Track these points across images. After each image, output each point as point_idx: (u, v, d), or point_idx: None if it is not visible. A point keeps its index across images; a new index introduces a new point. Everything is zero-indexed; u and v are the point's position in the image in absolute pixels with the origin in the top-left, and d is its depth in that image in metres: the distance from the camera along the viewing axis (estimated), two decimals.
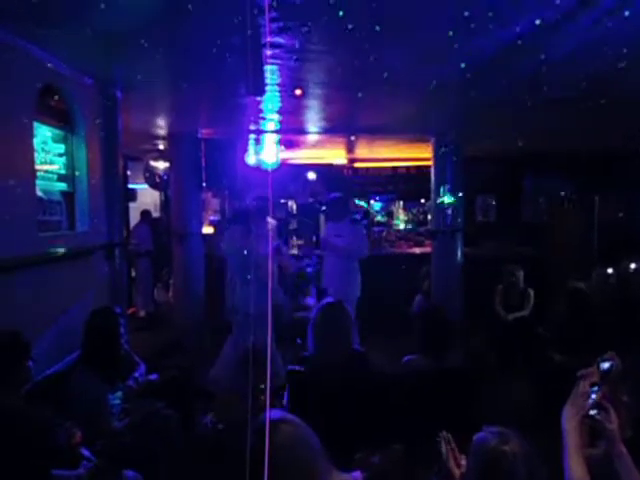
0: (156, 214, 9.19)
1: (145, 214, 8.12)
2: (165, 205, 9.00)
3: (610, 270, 5.25)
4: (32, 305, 3.00)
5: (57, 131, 3.66)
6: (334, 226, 5.21)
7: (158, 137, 6.62)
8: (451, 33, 2.97)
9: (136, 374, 3.07)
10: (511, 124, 5.91)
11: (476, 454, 1.48)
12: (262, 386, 2.77)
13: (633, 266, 5.31)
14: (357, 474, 1.63)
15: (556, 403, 2.47)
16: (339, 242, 4.97)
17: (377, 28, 2.86)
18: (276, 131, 6.21)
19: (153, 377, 3.18)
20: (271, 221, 5.41)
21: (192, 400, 3.14)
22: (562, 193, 8.90)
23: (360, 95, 4.45)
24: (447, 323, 2.85)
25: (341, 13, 2.68)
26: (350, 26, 2.84)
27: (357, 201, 9.54)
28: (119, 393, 2.73)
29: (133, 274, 8.05)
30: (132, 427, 2.15)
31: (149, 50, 3.29)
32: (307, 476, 1.48)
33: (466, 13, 2.67)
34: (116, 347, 2.90)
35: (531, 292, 5.47)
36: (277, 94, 4.38)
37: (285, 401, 2.56)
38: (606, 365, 2.07)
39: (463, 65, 3.45)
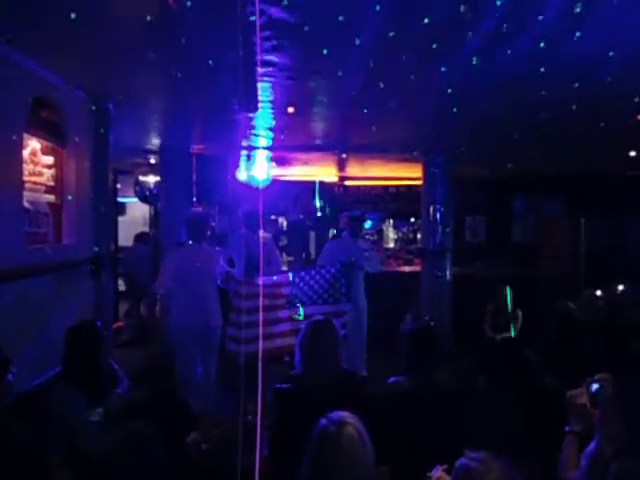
0: (145, 228, 9.14)
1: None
2: (155, 219, 8.95)
3: (598, 292, 5.28)
4: (16, 317, 2.94)
5: (47, 143, 3.64)
6: (353, 241, 5.40)
7: (149, 151, 6.61)
8: (444, 67, 3.03)
9: (119, 390, 3.01)
10: (502, 146, 5.99)
11: None
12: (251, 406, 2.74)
13: (621, 288, 5.35)
14: None
15: (544, 424, 2.45)
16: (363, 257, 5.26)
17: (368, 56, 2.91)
18: (268, 147, 6.23)
19: (136, 394, 3.12)
20: (265, 235, 5.40)
21: (176, 419, 3.08)
22: (550, 215, 8.98)
23: (352, 114, 4.49)
24: (435, 343, 2.83)
25: (325, 51, 2.74)
26: (342, 47, 2.88)
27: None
28: (100, 410, 2.67)
29: (121, 288, 7.98)
30: (113, 446, 2.10)
31: (142, 65, 3.30)
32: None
33: (457, 41, 2.72)
34: (96, 362, 2.84)
35: (519, 313, 5.48)
36: (270, 111, 4.41)
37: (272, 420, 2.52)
38: (596, 386, 2.07)
39: (454, 89, 3.50)
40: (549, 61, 3.03)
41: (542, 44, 2.75)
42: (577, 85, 3.43)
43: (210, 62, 3.10)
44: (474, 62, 3.02)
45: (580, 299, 5.33)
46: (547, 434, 2.25)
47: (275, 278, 4.19)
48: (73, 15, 2.45)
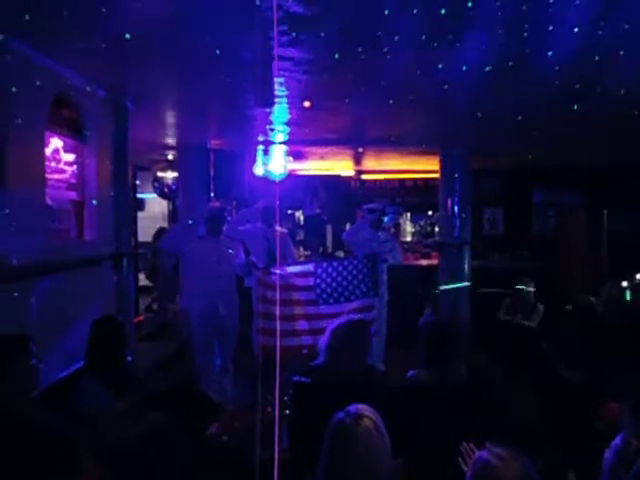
0: (164, 224, 9.23)
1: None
2: (173, 215, 9.03)
3: (624, 283, 5.20)
4: (41, 313, 3.01)
5: (68, 140, 3.70)
6: (374, 233, 5.50)
7: (167, 147, 6.67)
8: (465, 66, 2.99)
9: (140, 383, 3.07)
10: (521, 138, 5.90)
11: (477, 475, 1.45)
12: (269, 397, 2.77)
13: None
14: None
15: (562, 418, 2.44)
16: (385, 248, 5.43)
17: (385, 49, 2.89)
18: (284, 142, 6.24)
19: (157, 387, 3.17)
20: (280, 230, 5.44)
21: (197, 411, 3.13)
22: (571, 206, 8.84)
23: (368, 107, 4.47)
24: (451, 338, 2.83)
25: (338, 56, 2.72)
26: (358, 40, 2.87)
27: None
28: (124, 402, 2.73)
29: (140, 283, 8.08)
30: (135, 438, 2.14)
31: (160, 62, 3.33)
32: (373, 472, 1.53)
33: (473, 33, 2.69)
34: (120, 356, 2.90)
35: (540, 307, 5.41)
36: (286, 106, 4.41)
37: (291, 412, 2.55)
38: None
39: (474, 78, 3.46)
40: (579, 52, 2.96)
41: (576, 29, 2.68)
42: (609, 74, 3.34)
43: (227, 58, 3.11)
44: (504, 62, 2.98)
45: (602, 292, 5.26)
46: (565, 427, 2.23)
47: (296, 270, 4.20)
48: (93, 16, 2.48)
